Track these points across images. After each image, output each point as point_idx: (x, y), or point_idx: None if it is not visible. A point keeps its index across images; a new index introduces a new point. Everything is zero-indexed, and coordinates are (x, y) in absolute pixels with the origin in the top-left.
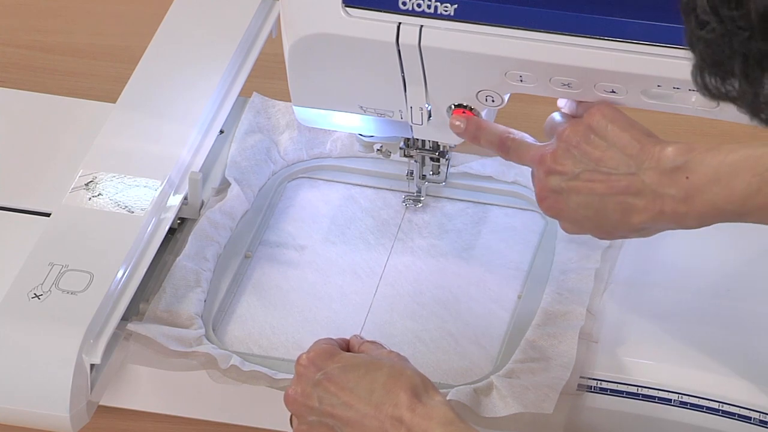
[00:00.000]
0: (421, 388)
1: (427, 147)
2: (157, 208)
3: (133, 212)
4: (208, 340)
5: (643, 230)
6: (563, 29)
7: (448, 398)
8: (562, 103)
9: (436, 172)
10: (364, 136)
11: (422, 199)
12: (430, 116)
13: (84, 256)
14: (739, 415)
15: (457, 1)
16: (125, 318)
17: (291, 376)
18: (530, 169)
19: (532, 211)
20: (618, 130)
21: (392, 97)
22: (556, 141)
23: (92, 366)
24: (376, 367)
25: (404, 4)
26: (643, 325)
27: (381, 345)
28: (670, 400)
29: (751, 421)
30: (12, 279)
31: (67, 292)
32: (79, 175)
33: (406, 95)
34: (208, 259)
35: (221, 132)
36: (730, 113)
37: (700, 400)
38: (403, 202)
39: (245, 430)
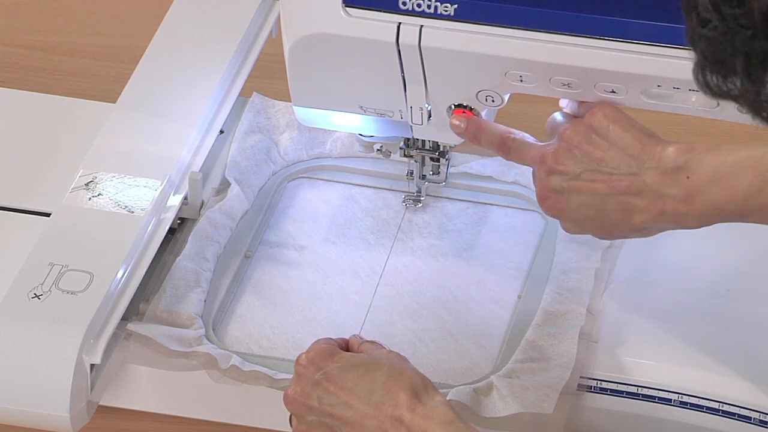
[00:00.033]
0: (421, 388)
1: (427, 147)
2: (157, 208)
3: (133, 212)
4: (208, 340)
5: (644, 230)
6: (563, 29)
7: (448, 398)
8: (563, 103)
9: (436, 172)
10: (364, 136)
11: (422, 199)
12: (430, 116)
13: (84, 256)
14: (739, 415)
15: (457, 1)
16: (125, 318)
17: (291, 376)
18: (531, 169)
19: (532, 211)
20: (619, 130)
21: (392, 97)
22: (558, 141)
23: (92, 366)
24: (376, 366)
25: (404, 4)
26: (643, 325)
27: (380, 345)
28: (670, 400)
29: (751, 421)
30: (12, 279)
31: (67, 292)
32: (79, 175)
33: (406, 95)
34: (208, 259)
35: (221, 132)
36: (730, 113)
37: (700, 400)
38: (403, 202)
39: (245, 430)
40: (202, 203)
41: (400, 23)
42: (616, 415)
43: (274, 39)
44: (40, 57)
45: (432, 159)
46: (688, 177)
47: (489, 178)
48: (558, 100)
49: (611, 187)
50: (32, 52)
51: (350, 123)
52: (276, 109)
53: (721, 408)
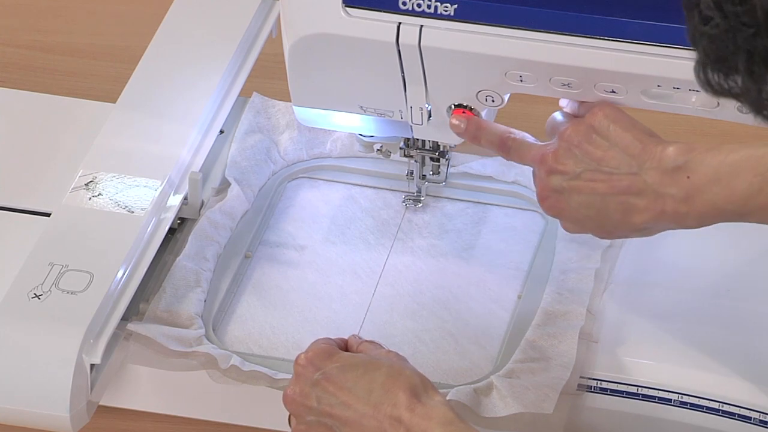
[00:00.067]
0: (421, 388)
1: (427, 147)
2: (157, 208)
3: (133, 212)
4: (208, 340)
5: (645, 230)
6: (563, 29)
7: (448, 398)
8: (564, 102)
9: (436, 172)
10: (364, 136)
11: (422, 199)
12: (430, 116)
13: (84, 256)
14: (739, 415)
15: (457, 1)
16: (125, 318)
17: (291, 376)
18: (531, 169)
19: (532, 211)
20: (620, 130)
21: (392, 97)
22: (558, 140)
23: (92, 366)
24: (375, 366)
25: (404, 4)
26: (643, 325)
27: (379, 345)
28: (670, 400)
29: (751, 421)
30: (12, 279)
31: (67, 292)
32: (79, 175)
33: (406, 95)
34: (208, 259)
35: (221, 132)
36: (730, 113)
37: (700, 400)
38: (403, 202)
39: (245, 430)
40: (202, 203)
41: (400, 23)
42: (616, 415)
43: (274, 39)
44: (40, 57)
45: (432, 159)
46: (688, 177)
47: (489, 178)
48: (558, 100)
49: (611, 186)
50: (32, 52)
51: (350, 123)
52: (276, 109)
53: (721, 408)
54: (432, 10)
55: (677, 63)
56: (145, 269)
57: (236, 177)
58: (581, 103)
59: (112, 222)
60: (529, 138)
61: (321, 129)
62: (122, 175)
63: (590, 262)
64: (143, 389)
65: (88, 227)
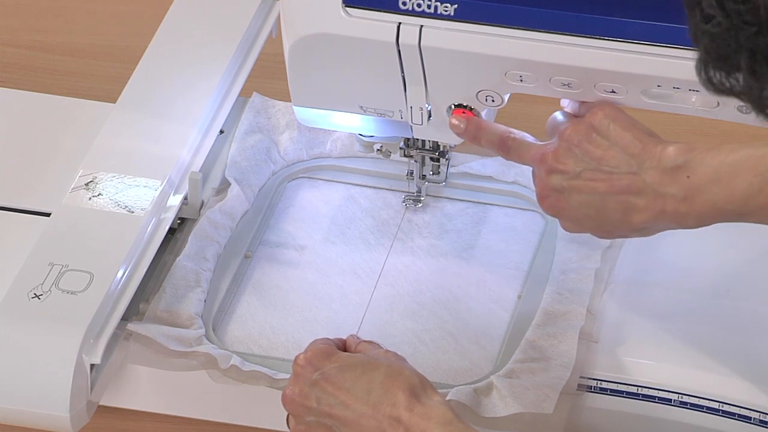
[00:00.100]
0: (420, 387)
1: (427, 147)
2: (157, 208)
3: (133, 212)
4: (208, 340)
5: (644, 230)
6: (563, 29)
7: (447, 398)
8: (565, 102)
9: (436, 172)
10: (364, 136)
11: (422, 199)
12: (430, 116)
13: (84, 256)
14: (739, 415)
15: (457, 1)
16: (125, 318)
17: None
18: (530, 169)
19: (532, 211)
20: (620, 130)
21: (392, 97)
22: (558, 140)
23: (92, 366)
24: (374, 366)
25: (404, 4)
26: (643, 325)
27: (378, 345)
28: (670, 400)
29: (751, 421)
30: (12, 279)
31: (67, 292)
32: (79, 175)
33: (406, 95)
34: (208, 259)
35: (221, 132)
36: (730, 113)
37: (700, 400)
38: (403, 202)
39: (245, 430)
40: (202, 203)
41: (400, 23)
42: (616, 415)
43: (274, 39)
44: (40, 57)
45: (432, 159)
46: (688, 176)
47: (489, 178)
48: (558, 99)
49: (611, 186)
50: (32, 52)
51: (350, 123)
52: (276, 109)
53: (721, 408)
54: (432, 10)
55: (677, 63)
56: (145, 269)
57: (236, 177)
58: (582, 103)
59: (112, 222)
60: (529, 138)
61: (321, 129)
62: (122, 175)
63: (590, 262)
64: (143, 389)
65: (88, 227)
